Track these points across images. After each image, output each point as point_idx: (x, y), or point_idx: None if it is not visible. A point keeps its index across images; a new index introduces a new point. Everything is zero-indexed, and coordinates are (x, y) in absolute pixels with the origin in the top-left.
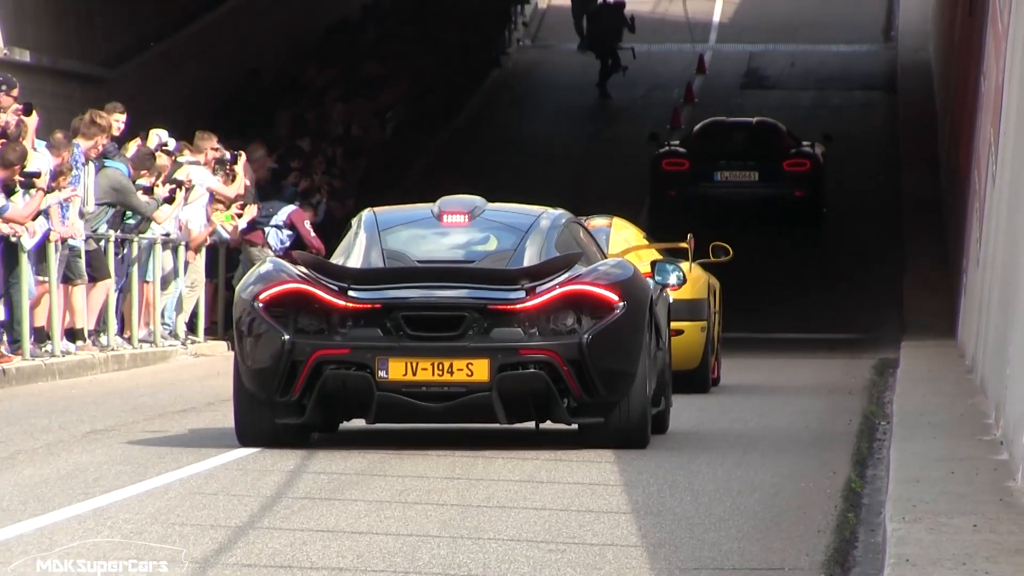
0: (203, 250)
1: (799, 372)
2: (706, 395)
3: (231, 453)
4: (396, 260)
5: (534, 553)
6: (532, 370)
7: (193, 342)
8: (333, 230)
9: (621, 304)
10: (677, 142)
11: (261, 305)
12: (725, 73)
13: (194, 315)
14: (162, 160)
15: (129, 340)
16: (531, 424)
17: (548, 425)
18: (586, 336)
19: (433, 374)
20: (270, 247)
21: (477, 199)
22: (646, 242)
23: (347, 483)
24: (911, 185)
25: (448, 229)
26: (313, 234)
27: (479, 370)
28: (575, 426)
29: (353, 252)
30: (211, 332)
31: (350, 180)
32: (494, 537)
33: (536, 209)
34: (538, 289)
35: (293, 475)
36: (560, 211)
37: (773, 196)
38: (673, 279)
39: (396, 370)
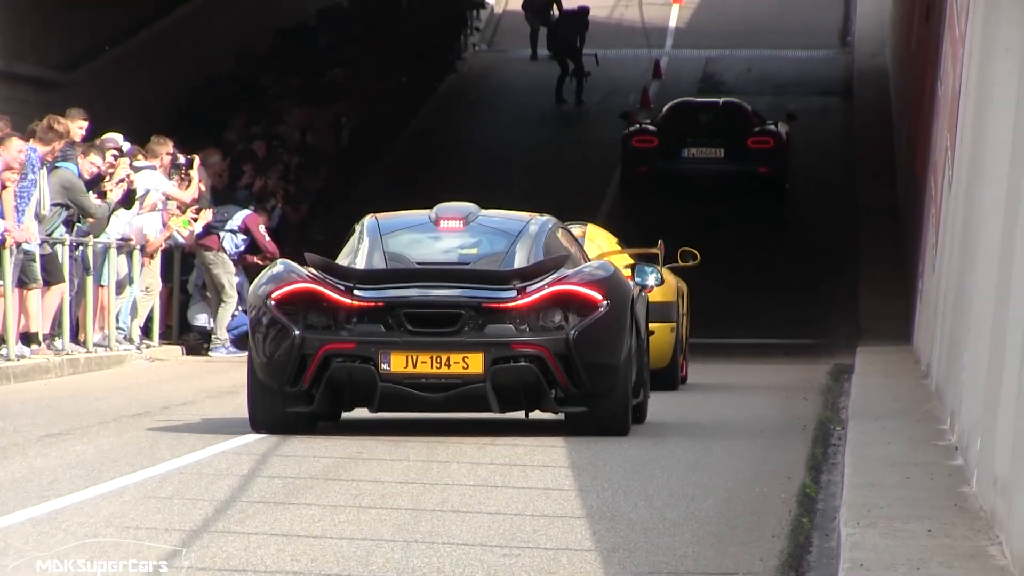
0: (158, 254)
1: (755, 377)
2: (673, 392)
3: (186, 457)
4: (397, 262)
5: (488, 557)
6: (523, 363)
7: (148, 346)
8: (288, 235)
9: (605, 303)
10: (648, 121)
11: (273, 303)
12: (681, 78)
13: (149, 319)
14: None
15: (84, 344)
16: (521, 413)
17: (536, 414)
18: (573, 332)
19: (432, 367)
20: (225, 251)
21: (471, 206)
22: (619, 248)
23: (301, 487)
24: (867, 191)
25: (444, 233)
26: (268, 239)
27: (474, 363)
28: (562, 415)
29: (357, 254)
30: (166, 336)
31: (306, 186)
32: (448, 541)
33: (525, 215)
34: (528, 289)
35: (247, 479)
36: (547, 217)
37: (738, 172)
38: (651, 280)
39: (398, 363)
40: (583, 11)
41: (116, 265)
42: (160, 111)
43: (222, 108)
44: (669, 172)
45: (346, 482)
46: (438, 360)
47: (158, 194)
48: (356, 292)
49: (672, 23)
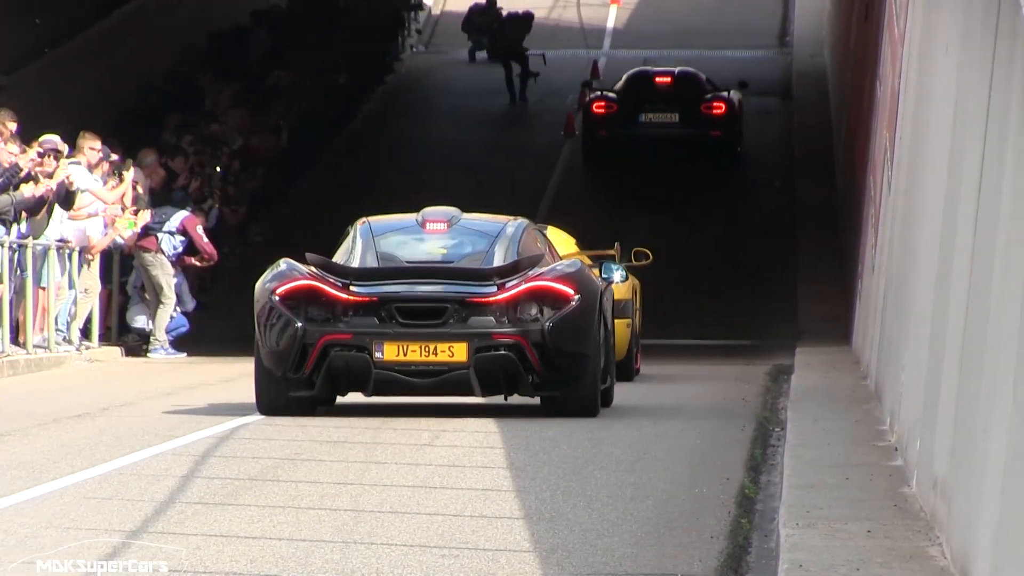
0: (98, 256)
1: (694, 378)
2: (625, 383)
3: (125, 458)
4: (388, 261)
5: (427, 558)
6: (503, 352)
7: (87, 348)
8: (226, 236)
9: (576, 297)
10: (609, 89)
11: (278, 298)
12: (618, 78)
13: (88, 321)
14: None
15: (24, 346)
16: (501, 397)
17: (514, 399)
18: (547, 324)
19: (421, 355)
20: (163, 253)
21: (454, 210)
22: (577, 248)
23: (241, 488)
24: (806, 191)
25: (430, 235)
26: (205, 240)
27: (459, 352)
28: (537, 399)
29: (352, 254)
30: (105, 338)
31: (244, 188)
32: (387, 542)
33: (502, 218)
34: (507, 285)
35: (186, 480)
36: (521, 219)
37: (692, 136)
38: (617, 276)
39: (390, 352)
40: (528, 16)
41: (56, 266)
42: (103, 112)
43: (162, 110)
44: (627, 137)
45: (285, 483)
46: (426, 349)
47: (87, 193)
48: (352, 288)
49: (610, 24)
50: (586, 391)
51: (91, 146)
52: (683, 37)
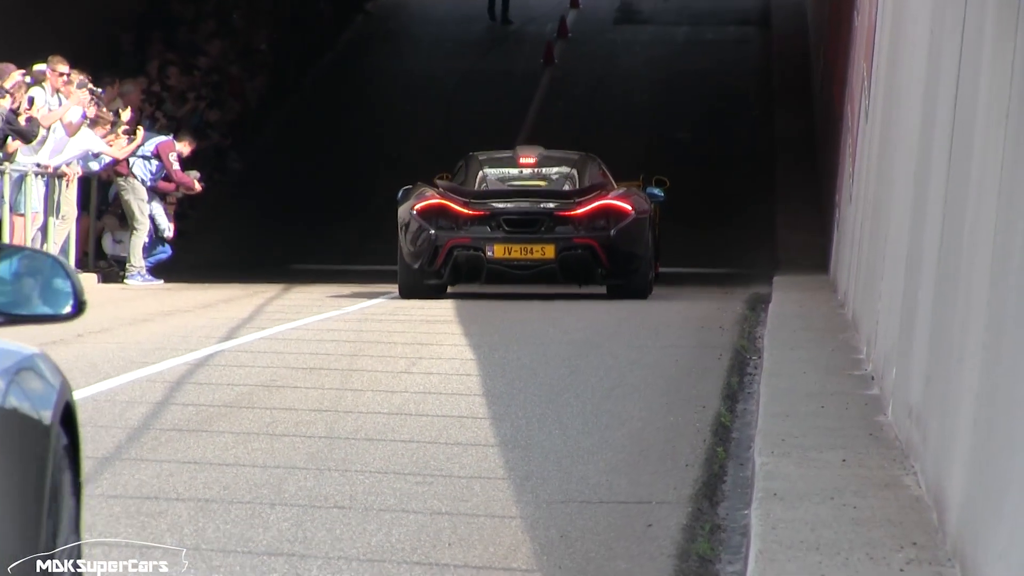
0: (75, 181)
1: (672, 306)
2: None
3: (99, 384)
4: (496, 185)
5: (401, 485)
6: (580, 251)
7: None
8: (206, 162)
9: (633, 212)
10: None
11: (416, 212)
12: (599, 8)
13: (65, 247)
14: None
15: None
16: (578, 286)
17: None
18: (613, 231)
19: (520, 254)
20: (135, 177)
21: (539, 147)
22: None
23: (215, 415)
24: (785, 121)
25: (524, 167)
26: (176, 166)
27: (548, 251)
28: (604, 288)
29: (467, 179)
30: (82, 264)
31: (225, 115)
32: (361, 469)
33: (575, 152)
34: (582, 202)
35: (160, 407)
36: (588, 153)
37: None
38: (660, 196)
39: (498, 251)
40: None
41: (34, 192)
42: (89, 45)
43: (142, 40)
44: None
45: (260, 410)
46: (524, 249)
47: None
48: (471, 205)
49: None
50: (640, 281)
51: (54, 68)
52: None
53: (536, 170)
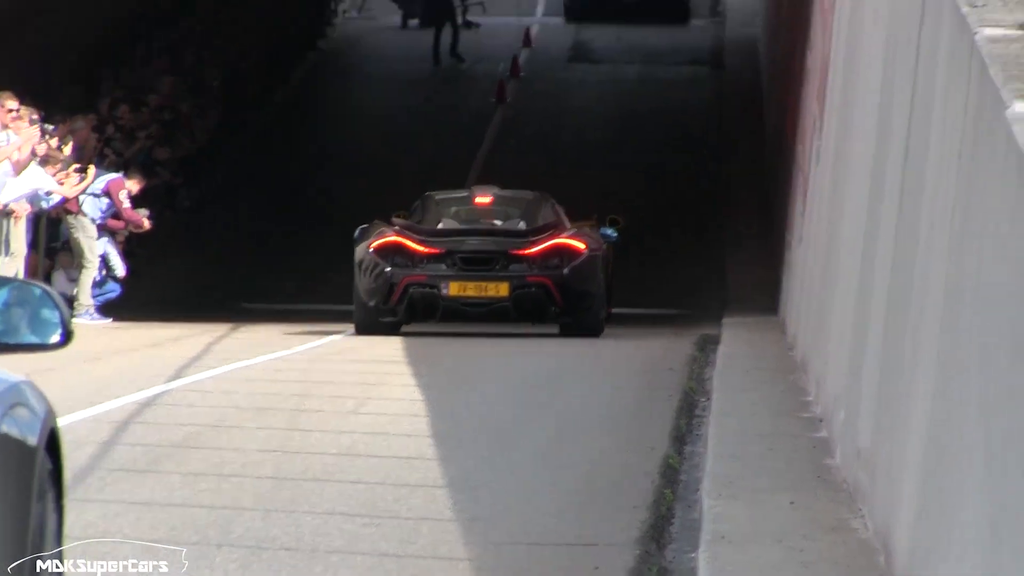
0: (24, 219)
1: (621, 347)
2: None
3: None
4: (452, 223)
5: (349, 526)
6: (534, 290)
7: None
8: (156, 200)
9: (586, 251)
10: None
11: (372, 250)
12: (552, 47)
13: None
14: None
15: None
16: (530, 324)
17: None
18: (566, 270)
19: (475, 292)
20: (85, 215)
21: (495, 187)
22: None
23: (162, 455)
24: (737, 160)
25: (479, 206)
26: (127, 204)
27: (502, 289)
28: (557, 327)
29: (424, 218)
30: None
31: (175, 153)
32: (309, 510)
33: (529, 192)
34: (536, 241)
35: (107, 447)
36: (542, 193)
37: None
38: (613, 236)
39: (454, 289)
40: None
41: None
42: (54, 72)
43: (97, 71)
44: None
45: (208, 450)
46: (479, 287)
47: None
48: (427, 242)
49: None
50: (592, 319)
51: (7, 106)
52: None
53: (492, 208)
